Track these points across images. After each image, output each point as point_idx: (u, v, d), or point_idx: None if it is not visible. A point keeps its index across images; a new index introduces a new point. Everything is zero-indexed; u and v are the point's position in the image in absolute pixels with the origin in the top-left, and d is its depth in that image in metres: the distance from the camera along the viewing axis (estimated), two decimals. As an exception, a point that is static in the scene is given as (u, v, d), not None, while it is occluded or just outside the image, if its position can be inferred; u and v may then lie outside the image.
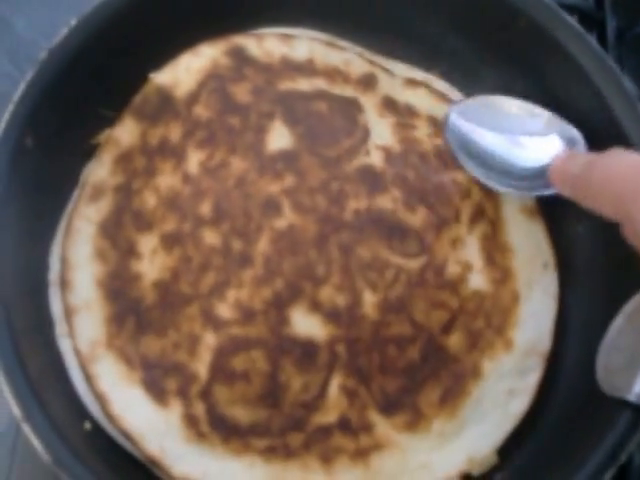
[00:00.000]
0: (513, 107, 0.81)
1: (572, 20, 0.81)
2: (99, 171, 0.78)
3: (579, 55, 0.80)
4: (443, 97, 0.87)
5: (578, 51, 0.80)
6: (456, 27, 0.87)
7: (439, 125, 0.84)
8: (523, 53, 0.85)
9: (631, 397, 0.68)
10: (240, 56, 0.83)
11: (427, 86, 0.87)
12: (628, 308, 0.70)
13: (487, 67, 0.88)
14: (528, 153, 0.78)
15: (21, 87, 0.75)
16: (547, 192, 0.76)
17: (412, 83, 0.87)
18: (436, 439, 0.75)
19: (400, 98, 0.86)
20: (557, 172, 0.72)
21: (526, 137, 0.79)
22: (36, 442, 0.66)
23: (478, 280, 0.80)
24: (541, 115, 0.80)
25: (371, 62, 0.86)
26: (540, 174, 0.76)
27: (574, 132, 0.77)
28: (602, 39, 1.01)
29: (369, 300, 0.76)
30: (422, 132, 0.84)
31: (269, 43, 0.84)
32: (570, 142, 0.77)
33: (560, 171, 0.72)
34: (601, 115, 0.79)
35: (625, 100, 0.78)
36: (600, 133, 0.78)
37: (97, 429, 0.73)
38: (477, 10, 0.85)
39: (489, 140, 0.79)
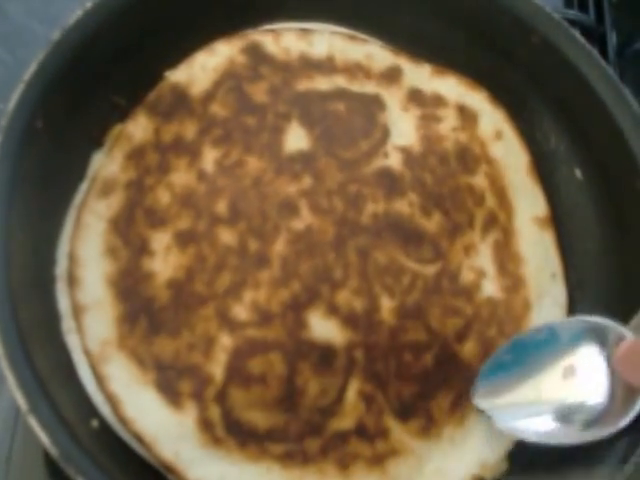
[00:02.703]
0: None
1: (581, 38, 0.84)
2: (110, 166, 0.77)
3: (589, 74, 0.83)
4: (474, 85, 0.88)
5: (588, 70, 0.83)
6: (472, 36, 0.89)
7: (468, 114, 0.85)
8: (536, 67, 0.87)
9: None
10: (257, 54, 0.83)
11: (456, 74, 0.89)
12: (636, 321, 0.72)
13: (500, 78, 0.89)
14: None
15: (32, 67, 0.73)
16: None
17: (441, 72, 0.88)
18: (447, 445, 0.76)
19: (427, 87, 0.87)
20: (624, 361, 0.72)
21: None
22: (42, 435, 0.64)
23: (491, 287, 0.82)
24: (568, 328, 0.76)
25: (395, 53, 0.87)
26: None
27: (604, 323, 0.73)
28: (602, 53, 1.04)
29: (386, 305, 0.77)
30: (447, 125, 0.85)
31: (287, 39, 0.84)
32: (602, 334, 0.74)
33: (627, 359, 0.72)
34: (607, 131, 0.82)
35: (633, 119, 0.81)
36: (605, 147, 0.82)
37: (105, 428, 0.72)
38: (491, 21, 0.87)
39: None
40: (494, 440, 0.77)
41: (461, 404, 0.77)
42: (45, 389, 0.67)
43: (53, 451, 0.64)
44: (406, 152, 0.83)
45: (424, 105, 0.86)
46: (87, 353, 0.72)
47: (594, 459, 0.72)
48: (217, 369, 0.73)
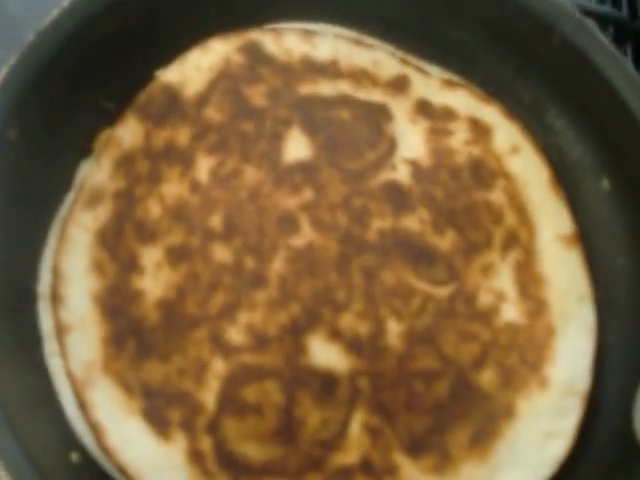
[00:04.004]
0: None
1: (606, 39, 0.80)
2: (98, 174, 0.74)
3: (614, 77, 0.79)
4: (486, 98, 0.84)
5: (612, 73, 0.79)
6: (491, 39, 0.85)
7: (481, 128, 0.81)
8: (557, 70, 0.83)
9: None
10: (255, 54, 0.79)
11: (467, 87, 0.84)
12: None
13: (521, 81, 0.85)
14: None
15: (3, 72, 0.71)
16: None
17: (451, 84, 0.84)
18: None
19: (436, 100, 0.83)
20: None
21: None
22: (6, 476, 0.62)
23: (511, 312, 0.77)
24: None
25: (404, 61, 0.83)
26: None
27: None
28: (637, 50, 1.00)
29: (394, 330, 0.73)
30: (459, 139, 0.81)
31: (288, 40, 0.81)
32: None
33: None
34: (636, 139, 0.78)
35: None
36: (634, 156, 0.78)
37: (86, 461, 0.69)
38: (511, 23, 0.83)
39: None
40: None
41: (483, 439, 0.73)
42: (14, 424, 0.64)
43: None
44: (415, 165, 0.79)
45: (433, 117, 0.82)
46: (70, 377, 0.69)
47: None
48: (209, 397, 0.69)
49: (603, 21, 0.80)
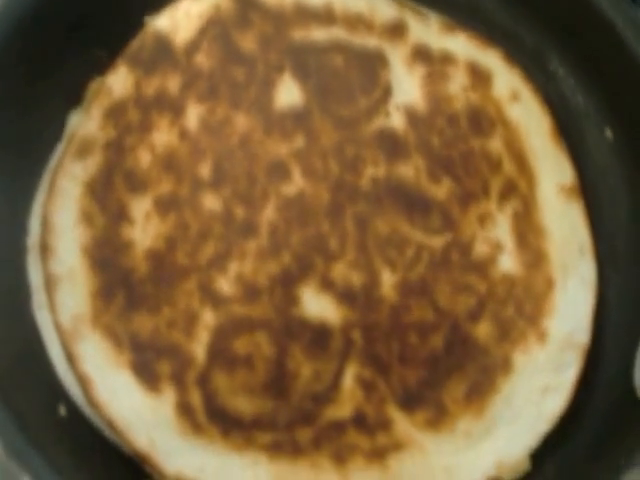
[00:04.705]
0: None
1: None
2: (87, 124, 0.72)
3: (617, 21, 0.77)
4: (486, 43, 0.82)
5: (616, 16, 0.77)
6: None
7: (480, 74, 0.80)
8: (560, 14, 0.81)
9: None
10: (246, 0, 0.77)
11: (468, 32, 0.82)
12: None
13: (523, 27, 0.84)
14: None
15: None
16: None
17: (450, 28, 0.81)
18: (461, 440, 0.71)
19: (435, 45, 0.80)
20: None
21: None
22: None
23: (508, 263, 0.76)
24: None
25: (401, 5, 0.81)
26: None
27: None
28: None
29: (387, 280, 0.72)
30: (457, 84, 0.79)
31: None
32: None
33: None
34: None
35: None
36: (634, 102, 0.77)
37: (74, 415, 0.68)
38: None
39: None
40: (520, 436, 0.72)
41: (479, 393, 0.72)
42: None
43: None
44: (410, 112, 0.77)
45: (431, 63, 0.80)
46: (59, 330, 0.68)
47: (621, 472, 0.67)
48: (199, 349, 0.69)
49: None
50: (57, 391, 0.68)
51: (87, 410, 0.68)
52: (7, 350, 0.66)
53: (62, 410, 0.68)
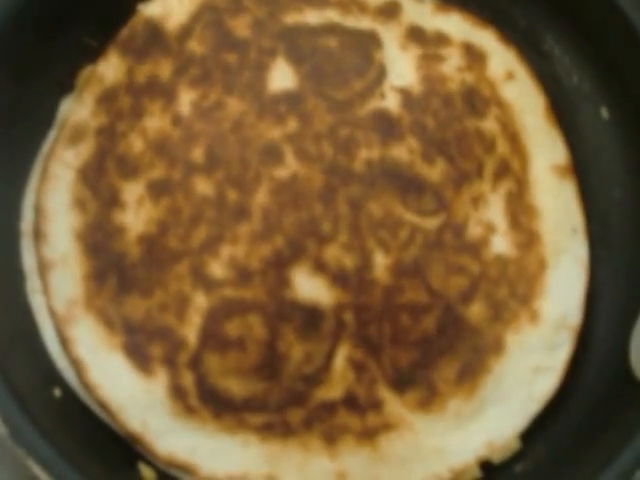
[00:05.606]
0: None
1: None
2: (80, 111, 0.73)
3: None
4: (481, 23, 0.82)
5: None
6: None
7: (475, 54, 0.80)
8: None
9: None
10: None
11: (462, 11, 0.82)
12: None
13: (517, 6, 0.84)
14: None
15: None
16: None
17: (444, 8, 0.82)
18: (452, 420, 0.71)
19: (429, 25, 0.81)
20: None
21: None
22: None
23: (501, 244, 0.76)
24: None
25: None
26: None
27: None
28: None
29: (380, 262, 0.72)
30: (451, 65, 0.79)
31: None
32: None
33: None
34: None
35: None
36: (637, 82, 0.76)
37: (68, 397, 0.69)
38: None
39: None
40: (510, 416, 0.73)
41: (470, 374, 0.72)
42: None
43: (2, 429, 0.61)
44: (405, 93, 0.77)
45: (425, 44, 0.80)
46: (52, 313, 0.69)
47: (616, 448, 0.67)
48: (191, 332, 0.69)
49: None
50: (52, 373, 0.69)
51: (81, 392, 0.68)
52: (1, 334, 0.66)
53: (57, 392, 0.68)
